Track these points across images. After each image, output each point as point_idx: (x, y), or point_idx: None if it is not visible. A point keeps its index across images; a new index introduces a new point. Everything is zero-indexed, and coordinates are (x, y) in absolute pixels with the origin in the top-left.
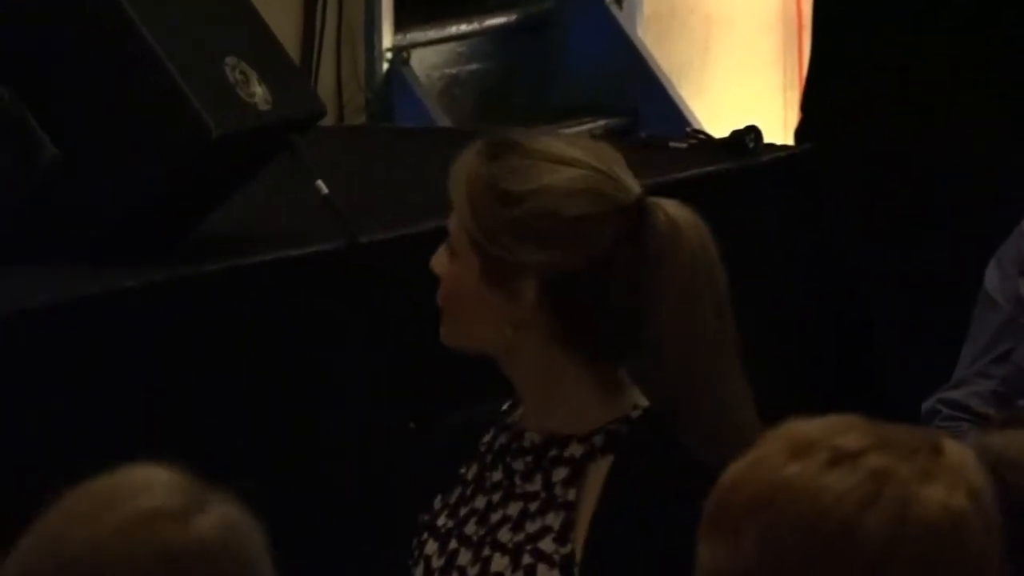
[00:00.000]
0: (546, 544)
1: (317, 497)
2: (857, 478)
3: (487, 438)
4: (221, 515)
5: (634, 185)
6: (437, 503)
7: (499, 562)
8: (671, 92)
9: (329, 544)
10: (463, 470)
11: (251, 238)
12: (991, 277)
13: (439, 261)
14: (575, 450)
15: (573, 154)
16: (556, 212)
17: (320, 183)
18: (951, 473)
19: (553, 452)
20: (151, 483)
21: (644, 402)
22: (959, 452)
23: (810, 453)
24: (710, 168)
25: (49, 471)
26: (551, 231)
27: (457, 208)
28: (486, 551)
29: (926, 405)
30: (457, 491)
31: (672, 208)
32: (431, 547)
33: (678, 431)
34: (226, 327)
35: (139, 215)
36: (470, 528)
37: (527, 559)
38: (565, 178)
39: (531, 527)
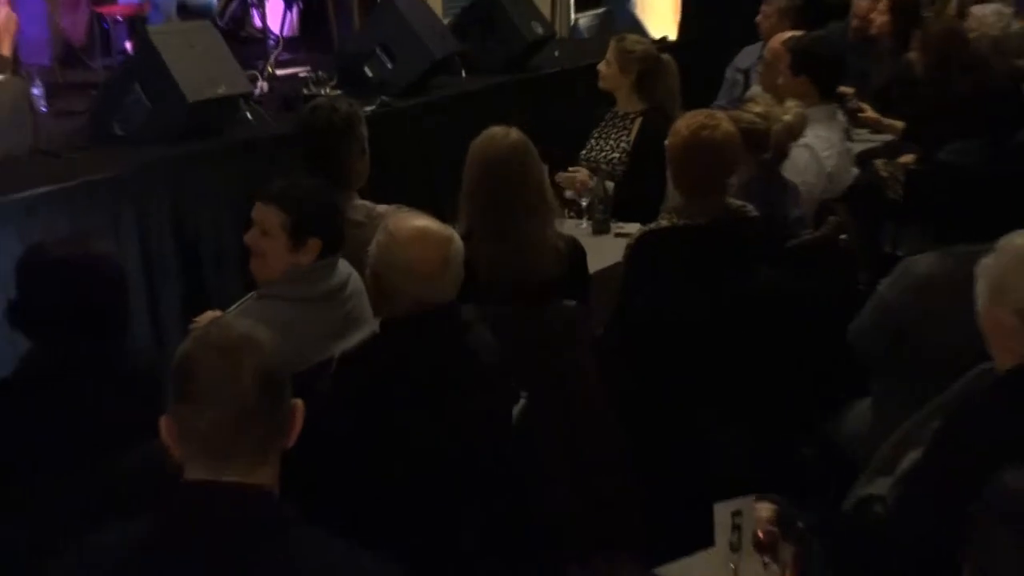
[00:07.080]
0: (623, 142)
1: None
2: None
3: (603, 120)
4: (520, 137)
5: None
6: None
7: (610, 145)
8: None
9: None
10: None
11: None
12: None
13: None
14: (633, 115)
15: None
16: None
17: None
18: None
19: (625, 116)
20: (496, 129)
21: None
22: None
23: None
24: None
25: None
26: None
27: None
28: (604, 146)
29: None
30: (596, 133)
31: None
32: (586, 152)
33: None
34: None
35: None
36: (598, 144)
37: (618, 143)
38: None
39: (617, 136)
